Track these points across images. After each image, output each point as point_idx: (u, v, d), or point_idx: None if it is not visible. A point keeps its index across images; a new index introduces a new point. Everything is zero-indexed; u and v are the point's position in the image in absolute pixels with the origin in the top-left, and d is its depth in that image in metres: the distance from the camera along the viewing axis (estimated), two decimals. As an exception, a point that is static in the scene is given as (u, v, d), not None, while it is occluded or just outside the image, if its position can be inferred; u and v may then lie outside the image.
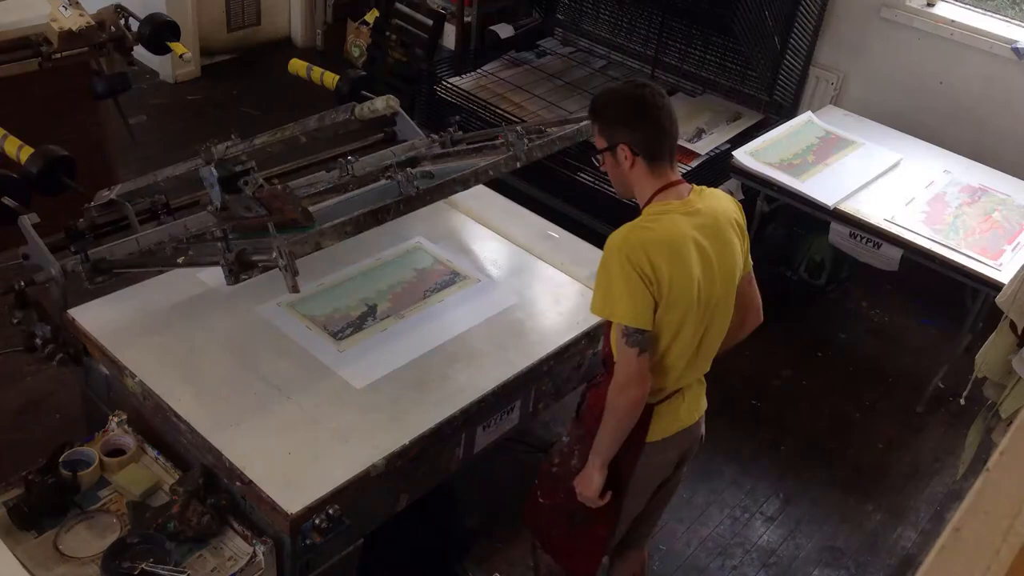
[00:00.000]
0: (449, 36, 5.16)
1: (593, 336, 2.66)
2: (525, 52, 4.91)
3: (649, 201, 2.04)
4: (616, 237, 1.96)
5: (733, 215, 2.12)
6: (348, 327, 2.50)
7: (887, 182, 3.76)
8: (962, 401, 3.38)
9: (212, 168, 2.35)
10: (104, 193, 2.67)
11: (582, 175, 4.07)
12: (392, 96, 2.70)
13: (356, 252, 2.75)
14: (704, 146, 4.11)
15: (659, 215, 2.00)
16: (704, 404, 2.31)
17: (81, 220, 2.54)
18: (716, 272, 2.04)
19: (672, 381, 2.11)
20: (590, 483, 2.11)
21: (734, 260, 2.13)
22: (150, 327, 2.43)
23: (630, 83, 2.11)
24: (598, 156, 2.08)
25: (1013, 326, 2.59)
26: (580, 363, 2.71)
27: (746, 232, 2.19)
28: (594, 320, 2.64)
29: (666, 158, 2.03)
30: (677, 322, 1.99)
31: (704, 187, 2.11)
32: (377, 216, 2.15)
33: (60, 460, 2.17)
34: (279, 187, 2.16)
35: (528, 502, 2.38)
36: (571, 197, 4.10)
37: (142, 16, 3.32)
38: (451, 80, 4.53)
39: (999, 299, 2.66)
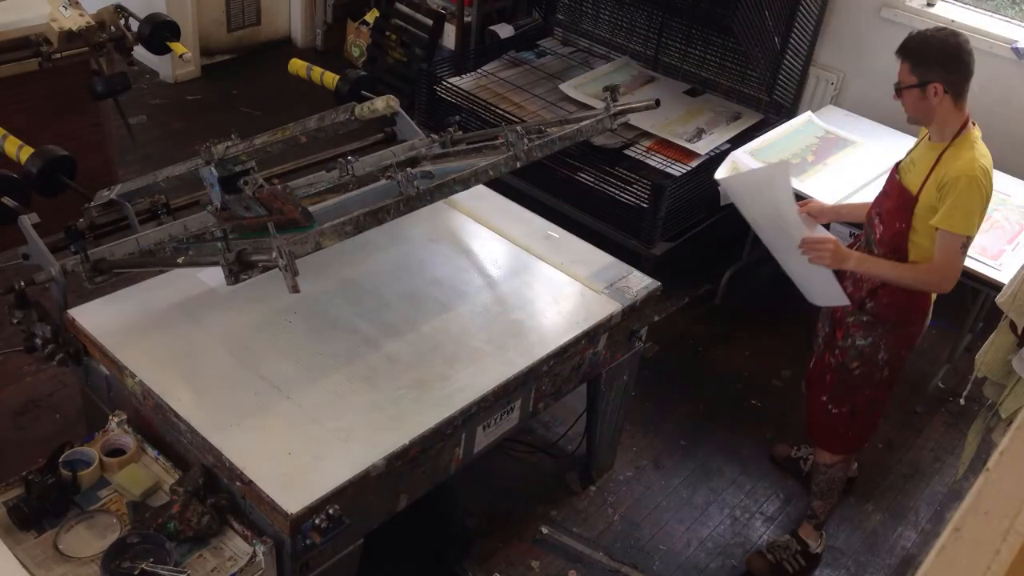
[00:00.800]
0: (449, 36, 5.16)
1: (593, 336, 2.66)
2: (525, 52, 4.91)
3: (959, 132, 2.49)
4: (974, 167, 2.44)
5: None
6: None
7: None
8: (962, 401, 3.38)
9: (212, 168, 2.35)
10: (104, 193, 2.67)
11: (582, 175, 4.07)
12: (392, 96, 2.70)
13: (356, 252, 2.75)
14: (704, 146, 4.11)
15: (980, 144, 2.50)
16: None
17: (81, 220, 2.54)
18: None
19: None
20: (843, 262, 2.58)
21: None
22: (150, 327, 2.43)
23: (943, 31, 2.50)
24: (900, 88, 2.52)
25: (1013, 326, 2.59)
26: (580, 363, 2.71)
27: None
28: (594, 320, 2.64)
29: (964, 97, 2.48)
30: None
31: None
32: (377, 216, 2.15)
33: (60, 460, 2.17)
34: (279, 187, 2.16)
35: (815, 422, 2.90)
36: (571, 197, 4.10)
37: (142, 16, 3.32)
38: (451, 80, 4.53)
39: (999, 299, 2.66)
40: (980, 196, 2.45)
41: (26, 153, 2.56)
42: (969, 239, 2.48)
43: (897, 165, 2.70)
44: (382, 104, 2.64)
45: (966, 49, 2.44)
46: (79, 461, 2.19)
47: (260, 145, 2.52)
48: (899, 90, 2.53)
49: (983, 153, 2.48)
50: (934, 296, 2.67)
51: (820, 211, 2.83)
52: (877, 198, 2.75)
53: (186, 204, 2.72)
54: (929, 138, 2.60)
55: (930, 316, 2.70)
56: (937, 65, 2.43)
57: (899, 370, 2.78)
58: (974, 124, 2.52)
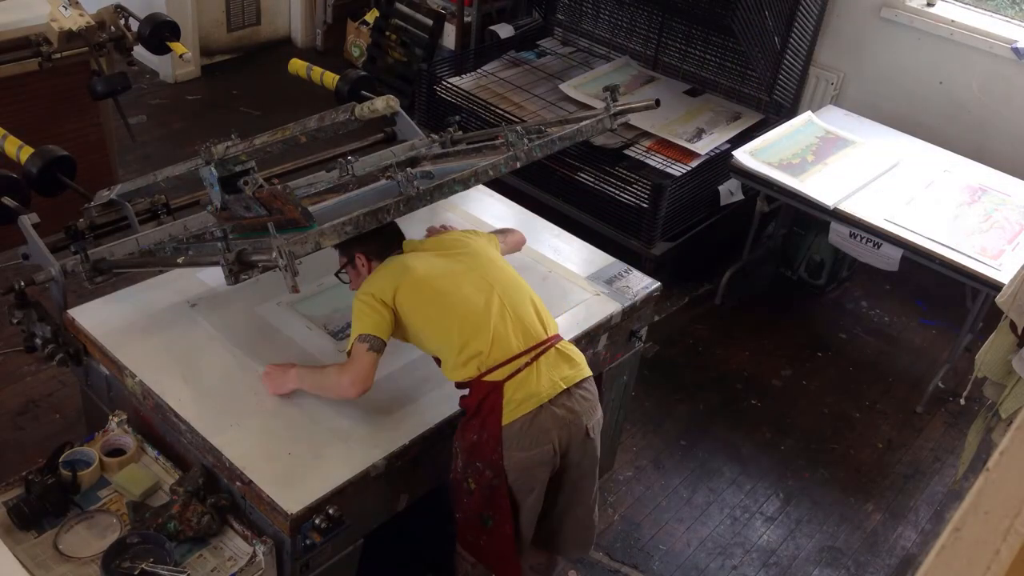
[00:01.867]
0: (449, 36, 5.16)
1: (593, 336, 2.66)
2: (525, 52, 4.91)
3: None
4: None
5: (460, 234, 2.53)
6: (348, 327, 2.49)
7: (887, 182, 3.76)
8: (962, 401, 3.38)
9: (212, 168, 2.35)
10: (104, 193, 2.67)
11: (582, 175, 4.07)
12: (392, 96, 2.70)
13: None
14: (704, 146, 4.11)
15: (386, 262, 2.34)
16: (571, 372, 2.29)
17: (81, 220, 2.54)
18: (462, 257, 2.37)
19: (504, 350, 2.23)
20: (285, 384, 2.30)
21: (479, 242, 2.48)
22: (150, 327, 2.43)
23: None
24: (343, 273, 2.43)
25: (1013, 326, 2.59)
26: (580, 363, 2.70)
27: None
28: (594, 320, 2.64)
29: (395, 245, 2.40)
30: (439, 309, 2.26)
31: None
32: (377, 216, 2.15)
33: (60, 460, 2.17)
34: (279, 187, 2.16)
35: (454, 523, 2.42)
36: (571, 197, 4.10)
37: (142, 16, 3.32)
38: (451, 80, 4.53)
39: (999, 299, 2.66)
40: (361, 303, 2.25)
41: (26, 153, 2.57)
42: (366, 335, 2.20)
43: None
44: (382, 104, 2.64)
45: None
46: (79, 461, 2.19)
47: (260, 145, 2.52)
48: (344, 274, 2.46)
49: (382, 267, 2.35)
50: (515, 412, 2.20)
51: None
52: None
53: (186, 204, 2.72)
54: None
55: (508, 435, 2.20)
56: (354, 241, 2.28)
57: (486, 489, 2.27)
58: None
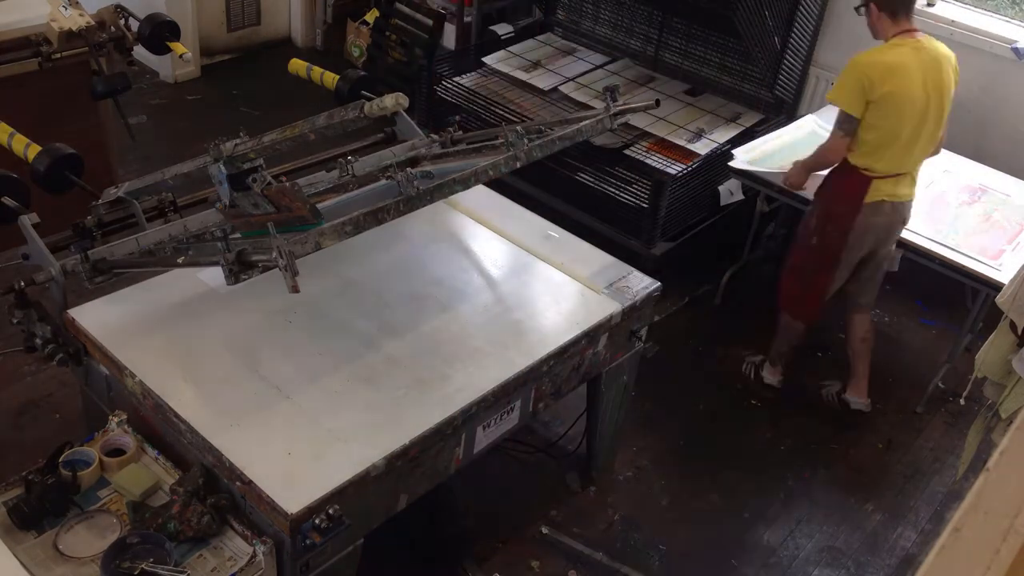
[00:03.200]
0: (449, 36, 5.17)
1: (593, 336, 2.66)
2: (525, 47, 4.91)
3: (889, 39, 3.10)
4: (856, 58, 3.10)
5: (951, 60, 3.17)
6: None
7: (887, 182, 3.76)
8: (962, 401, 3.38)
9: (221, 165, 2.35)
10: (111, 191, 2.68)
11: (582, 175, 4.07)
12: (401, 94, 2.71)
13: (356, 252, 2.75)
14: (704, 146, 4.11)
15: (892, 47, 3.09)
16: (913, 193, 3.29)
17: (89, 218, 2.55)
18: (931, 94, 3.09)
19: (891, 166, 3.16)
20: (799, 177, 3.38)
21: (946, 89, 3.15)
22: (150, 327, 2.43)
23: None
24: (859, 8, 3.19)
25: (1013, 326, 2.59)
26: (580, 363, 2.71)
27: (958, 74, 3.22)
28: (594, 320, 2.64)
29: (902, 14, 3.09)
30: (893, 124, 3.08)
31: (931, 38, 3.15)
32: (377, 216, 2.15)
33: (60, 460, 2.16)
34: (287, 184, 2.16)
35: (781, 290, 3.55)
36: (571, 197, 4.10)
37: (142, 16, 3.32)
38: (451, 80, 4.53)
39: (999, 299, 2.66)
40: (851, 73, 3.07)
41: (33, 151, 2.57)
42: (843, 114, 3.11)
43: None
44: (391, 101, 2.65)
45: None
46: (79, 461, 2.19)
47: (269, 142, 2.53)
48: (857, 10, 3.21)
49: (880, 51, 3.10)
50: (875, 197, 3.18)
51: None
52: None
53: (194, 202, 2.72)
54: None
55: (856, 217, 3.21)
56: None
57: (828, 247, 3.30)
58: (912, 34, 3.10)
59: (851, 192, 3.19)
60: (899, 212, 3.26)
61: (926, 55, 3.06)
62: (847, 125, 3.10)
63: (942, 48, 3.14)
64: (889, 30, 3.09)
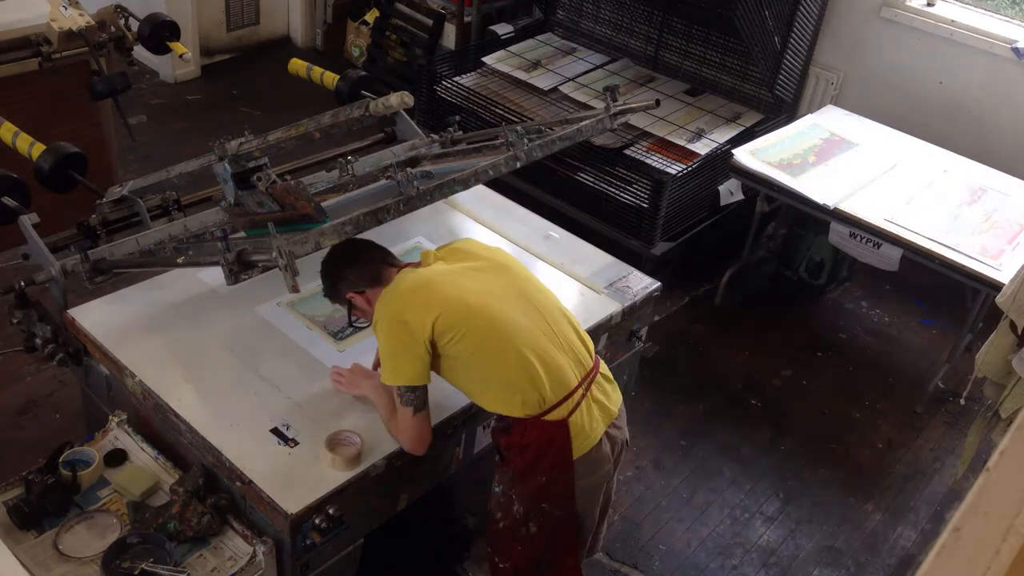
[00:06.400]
0: (449, 36, 5.17)
1: (593, 336, 2.65)
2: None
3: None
4: (383, 308, 2.10)
5: (481, 244, 2.36)
6: (348, 327, 2.50)
7: (887, 182, 3.76)
8: (962, 401, 3.39)
9: (226, 164, 2.35)
10: (116, 189, 2.69)
11: (582, 175, 4.07)
12: (407, 92, 2.71)
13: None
14: (704, 146, 4.11)
15: (392, 283, 2.14)
16: (615, 394, 2.25)
17: (93, 216, 2.55)
18: (498, 273, 2.20)
19: (563, 385, 2.11)
20: (356, 388, 2.25)
21: (504, 257, 2.31)
22: (150, 327, 2.43)
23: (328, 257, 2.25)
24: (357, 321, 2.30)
25: (1013, 326, 2.59)
26: (580, 363, 2.70)
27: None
28: (593, 320, 2.64)
29: (382, 266, 2.21)
30: (494, 343, 2.07)
31: (442, 248, 2.31)
32: (377, 216, 2.14)
33: (60, 460, 2.16)
34: (292, 182, 2.16)
35: (491, 572, 2.34)
36: (571, 197, 4.10)
37: (142, 16, 3.32)
38: (451, 80, 4.53)
39: (999, 299, 2.66)
40: (385, 339, 2.07)
41: (38, 150, 2.57)
42: (401, 388, 2.06)
43: None
44: (396, 100, 2.65)
45: (344, 254, 2.21)
46: (79, 461, 2.19)
47: (274, 141, 2.53)
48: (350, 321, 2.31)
49: (390, 287, 2.13)
50: (584, 446, 2.12)
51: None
52: None
53: (198, 201, 2.73)
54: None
55: (570, 473, 2.13)
56: (339, 281, 2.22)
57: (553, 527, 2.19)
58: (399, 270, 2.20)
59: (558, 449, 2.13)
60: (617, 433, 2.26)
61: (439, 259, 2.23)
62: (412, 401, 2.08)
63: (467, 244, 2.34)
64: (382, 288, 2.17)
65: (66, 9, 3.28)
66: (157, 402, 2.22)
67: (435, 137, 2.99)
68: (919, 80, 4.28)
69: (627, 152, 4.10)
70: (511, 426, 2.13)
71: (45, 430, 3.11)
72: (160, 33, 3.28)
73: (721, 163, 3.99)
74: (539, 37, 5.00)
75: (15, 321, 2.41)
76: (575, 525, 2.20)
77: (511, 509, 2.20)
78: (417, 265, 2.22)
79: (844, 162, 3.85)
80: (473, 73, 4.64)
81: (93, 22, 3.28)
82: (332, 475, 2.07)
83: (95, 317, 2.43)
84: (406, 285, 2.11)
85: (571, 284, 2.79)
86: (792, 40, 4.22)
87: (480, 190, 3.04)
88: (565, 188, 4.11)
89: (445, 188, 2.34)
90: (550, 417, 2.09)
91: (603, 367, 2.25)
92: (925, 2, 4.25)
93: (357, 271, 2.20)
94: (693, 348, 3.91)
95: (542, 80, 4.57)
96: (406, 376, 2.05)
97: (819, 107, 4.38)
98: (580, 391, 2.13)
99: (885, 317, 4.21)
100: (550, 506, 2.16)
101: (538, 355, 2.08)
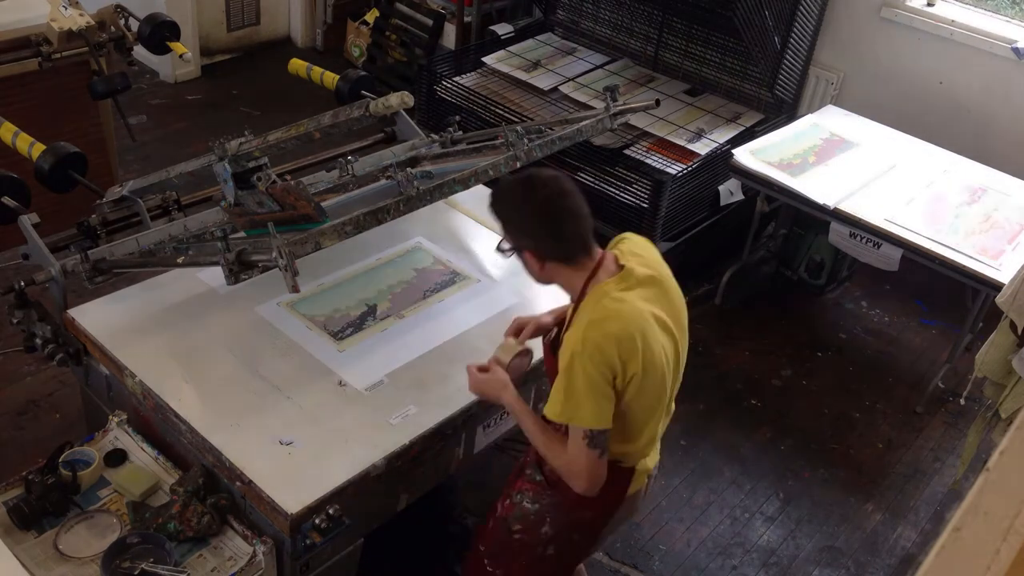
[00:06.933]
0: (449, 36, 5.17)
1: (593, 336, 2.66)
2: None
3: (583, 293, 1.94)
4: (581, 338, 1.84)
5: (658, 255, 2.09)
6: (348, 327, 2.50)
7: (887, 182, 3.76)
8: (962, 401, 3.38)
9: (226, 164, 2.35)
10: (116, 189, 2.69)
11: (582, 175, 4.07)
12: (407, 92, 2.71)
13: (356, 252, 2.75)
14: (704, 146, 4.11)
15: (609, 297, 1.89)
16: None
17: (93, 216, 2.55)
18: (676, 331, 2.01)
19: (653, 443, 2.10)
20: (496, 398, 2.08)
21: (682, 303, 2.07)
22: (150, 327, 2.43)
23: (520, 179, 1.96)
24: (507, 252, 2.01)
25: (1013, 326, 2.59)
26: (580, 363, 2.70)
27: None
28: (594, 320, 2.64)
29: (579, 248, 1.93)
30: (654, 401, 1.96)
31: (622, 243, 2.06)
32: (377, 216, 2.15)
33: (60, 460, 2.16)
34: (292, 182, 2.16)
35: (469, 567, 2.31)
36: (571, 197, 4.09)
37: (142, 16, 3.32)
38: (451, 79, 4.53)
39: (999, 299, 2.66)
40: (583, 374, 1.83)
41: (38, 150, 2.57)
42: (592, 431, 1.86)
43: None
44: (396, 100, 2.65)
45: (545, 204, 1.91)
46: (79, 461, 2.19)
47: (274, 141, 2.53)
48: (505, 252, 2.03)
49: (604, 310, 1.87)
50: (636, 486, 2.10)
51: (521, 326, 2.26)
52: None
53: (198, 200, 2.73)
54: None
55: (615, 513, 2.13)
56: (518, 230, 1.97)
57: (569, 556, 2.22)
58: (620, 266, 1.96)
59: (607, 493, 2.03)
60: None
61: (642, 282, 1.95)
62: (597, 441, 1.90)
63: (647, 249, 2.08)
64: (573, 278, 1.96)
65: (66, 9, 3.28)
66: (157, 402, 2.22)
67: (435, 137, 2.99)
68: (919, 80, 4.28)
69: (627, 152, 4.11)
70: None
71: (45, 430, 3.11)
72: (160, 33, 3.28)
73: (721, 163, 3.99)
74: (539, 37, 5.00)
75: (15, 321, 2.41)
76: (588, 554, 2.18)
77: (538, 530, 2.13)
78: (614, 271, 1.96)
79: (844, 162, 3.85)
80: (473, 73, 4.64)
81: (93, 22, 3.28)
82: (332, 475, 2.07)
83: (95, 317, 2.43)
84: (618, 326, 1.85)
85: (571, 284, 2.78)
86: (792, 40, 4.22)
87: (480, 190, 3.03)
88: (565, 188, 4.10)
89: (445, 188, 2.35)
90: (626, 464, 2.05)
91: None
92: (925, 2, 4.25)
93: (551, 243, 1.92)
94: (693, 348, 3.89)
95: (542, 80, 4.57)
96: (604, 420, 1.86)
97: (819, 107, 4.38)
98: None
99: (885, 317, 4.21)
100: (580, 537, 2.15)
101: (665, 414, 2.05)
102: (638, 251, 2.04)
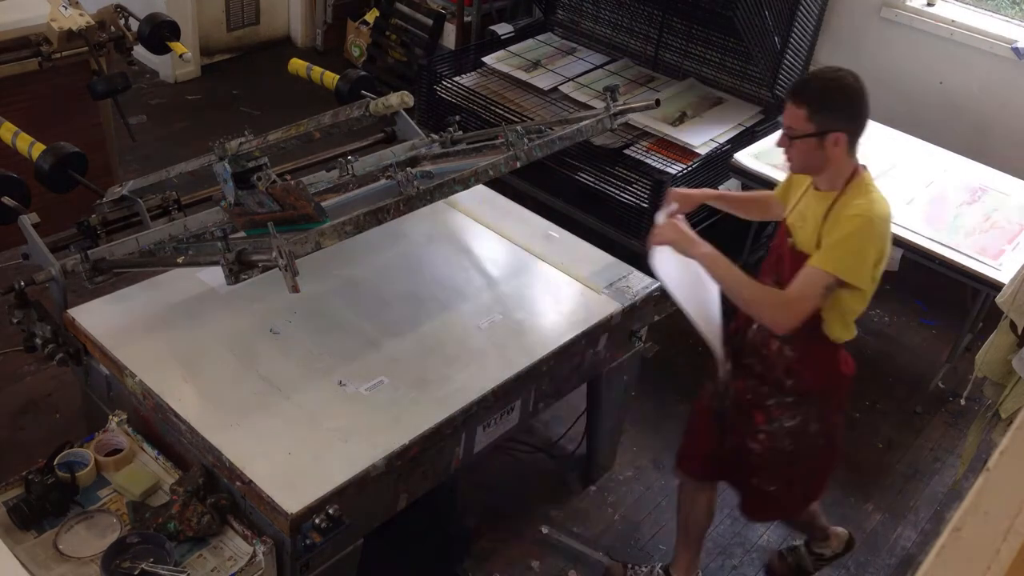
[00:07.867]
0: (449, 36, 5.17)
1: (592, 336, 2.66)
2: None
3: (851, 178, 2.25)
4: (870, 209, 2.19)
5: None
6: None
7: (887, 182, 3.76)
8: (962, 401, 3.38)
9: (226, 163, 2.35)
10: (116, 189, 2.69)
11: (582, 175, 4.07)
12: (407, 92, 2.71)
13: (356, 252, 2.75)
14: (704, 146, 4.11)
15: (875, 189, 2.25)
16: None
17: (93, 216, 2.55)
18: None
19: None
20: (693, 245, 2.32)
21: None
22: (150, 327, 2.43)
23: (843, 74, 2.22)
24: (794, 138, 2.21)
25: (1013, 326, 2.59)
26: (580, 363, 2.71)
27: None
28: (594, 320, 2.64)
29: (855, 154, 2.27)
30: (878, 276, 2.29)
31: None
32: (377, 216, 2.15)
33: (56, 462, 2.16)
34: (292, 182, 2.16)
35: (752, 501, 2.64)
36: (571, 197, 4.10)
37: (142, 16, 3.32)
38: (451, 79, 4.53)
39: (999, 299, 2.66)
40: (870, 239, 2.19)
41: (38, 150, 2.57)
42: (837, 283, 2.18)
43: (785, 224, 2.41)
44: (396, 100, 2.65)
45: (866, 95, 2.22)
46: (76, 462, 2.18)
47: (274, 141, 2.53)
48: (792, 139, 2.23)
49: (880, 198, 2.24)
50: (852, 364, 2.47)
51: (685, 197, 2.54)
52: (769, 261, 2.48)
53: (198, 200, 2.73)
54: (816, 187, 2.31)
55: (852, 372, 2.49)
56: (842, 114, 2.20)
57: (838, 434, 2.56)
58: (865, 168, 2.28)
59: (845, 369, 2.48)
60: None
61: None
62: (831, 290, 2.23)
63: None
64: (844, 167, 2.25)
65: (66, 9, 3.28)
66: (157, 402, 2.22)
67: (435, 137, 2.99)
68: (919, 80, 4.28)
69: (627, 152, 4.10)
70: (793, 365, 2.38)
71: (45, 430, 3.11)
72: (160, 33, 3.28)
73: (721, 163, 3.98)
74: (539, 37, 5.00)
75: (15, 321, 2.41)
76: (843, 427, 2.55)
77: (807, 431, 2.44)
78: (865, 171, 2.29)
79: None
80: (473, 73, 4.64)
81: (93, 22, 3.28)
82: (332, 475, 2.07)
83: (95, 317, 2.43)
84: (888, 211, 2.24)
85: (571, 284, 2.79)
86: (792, 40, 4.22)
87: (480, 190, 3.04)
88: (565, 188, 4.11)
89: (445, 188, 2.35)
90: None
91: None
92: (925, 2, 4.25)
93: (861, 132, 2.23)
94: (693, 348, 3.90)
95: (542, 80, 4.57)
96: (857, 275, 2.18)
97: (819, 107, 4.38)
98: None
99: (885, 317, 4.21)
100: (841, 416, 2.53)
101: None
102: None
